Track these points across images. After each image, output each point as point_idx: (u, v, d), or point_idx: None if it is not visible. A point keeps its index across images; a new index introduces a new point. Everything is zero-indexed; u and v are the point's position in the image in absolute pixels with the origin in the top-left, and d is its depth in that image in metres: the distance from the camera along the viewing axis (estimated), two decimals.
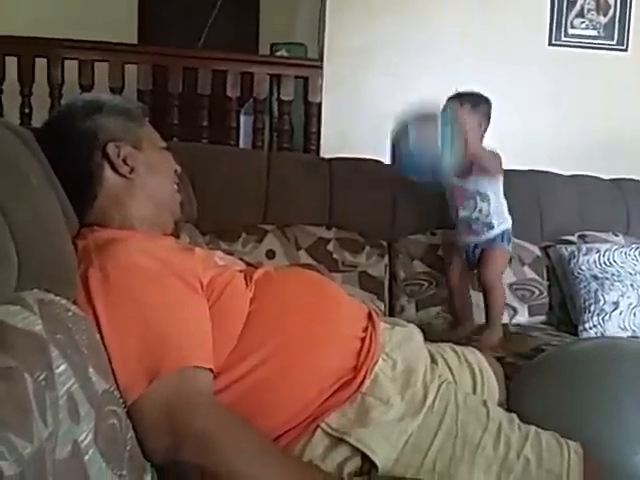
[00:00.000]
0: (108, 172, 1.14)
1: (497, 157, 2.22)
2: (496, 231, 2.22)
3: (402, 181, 2.51)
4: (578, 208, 2.66)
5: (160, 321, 0.92)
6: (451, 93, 2.19)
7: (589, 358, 1.35)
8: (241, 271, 1.15)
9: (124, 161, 1.14)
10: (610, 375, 1.23)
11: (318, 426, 1.00)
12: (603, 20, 3.27)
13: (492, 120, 3.14)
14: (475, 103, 2.17)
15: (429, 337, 1.34)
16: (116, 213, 1.13)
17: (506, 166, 2.69)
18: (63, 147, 1.09)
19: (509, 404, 1.30)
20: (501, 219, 2.23)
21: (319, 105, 3.16)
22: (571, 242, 2.55)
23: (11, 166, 0.79)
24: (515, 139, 3.13)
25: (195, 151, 2.45)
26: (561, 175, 2.72)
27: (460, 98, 2.16)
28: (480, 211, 2.20)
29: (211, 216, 2.24)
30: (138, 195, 1.16)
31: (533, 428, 1.09)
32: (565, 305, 2.44)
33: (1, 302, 0.66)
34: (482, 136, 2.22)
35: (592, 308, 2.29)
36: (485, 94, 2.19)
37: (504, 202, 2.26)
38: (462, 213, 2.23)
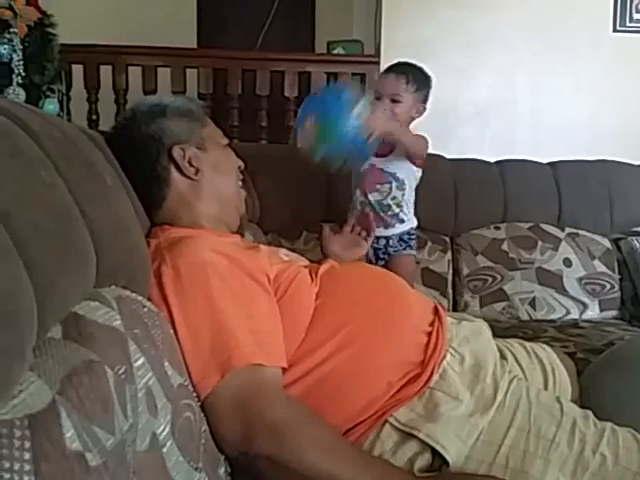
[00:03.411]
0: (175, 174, 1.17)
1: (425, 143, 1.93)
2: (404, 228, 1.97)
3: (464, 175, 2.49)
4: None
5: (230, 317, 0.93)
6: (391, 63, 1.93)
7: None
8: (306, 266, 1.16)
9: (190, 163, 1.17)
10: None
11: (387, 421, 0.99)
12: None
13: (556, 110, 3.07)
14: (421, 85, 1.89)
15: (496, 333, 1.31)
16: (184, 213, 1.16)
17: (572, 156, 2.62)
18: (131, 152, 1.12)
19: (582, 400, 1.27)
20: (410, 216, 1.98)
21: None
22: None
23: (88, 167, 0.82)
24: (581, 128, 3.06)
25: (255, 151, 2.48)
26: (632, 165, 2.63)
27: (406, 73, 1.86)
28: (393, 199, 1.93)
29: (272, 215, 2.27)
30: (205, 195, 1.19)
31: (609, 424, 1.05)
32: (638, 299, 2.35)
33: (82, 298, 0.68)
34: (413, 119, 1.96)
35: None
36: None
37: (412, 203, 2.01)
38: (373, 197, 1.94)
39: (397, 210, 1.94)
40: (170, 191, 1.16)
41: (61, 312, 0.63)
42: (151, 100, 1.24)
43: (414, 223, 2.00)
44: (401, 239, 1.97)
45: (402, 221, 1.96)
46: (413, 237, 2.00)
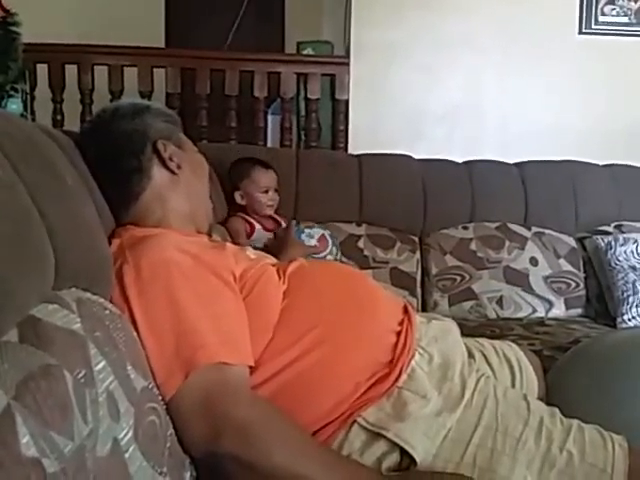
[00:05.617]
0: (157, 167, 1.18)
1: None
2: None
3: (432, 175, 2.50)
4: (613, 198, 2.61)
5: (194, 316, 0.92)
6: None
7: (626, 348, 1.32)
8: (273, 265, 1.15)
9: (171, 158, 1.19)
10: None
11: (355, 421, 0.99)
12: (634, 6, 3.20)
13: (523, 111, 3.13)
14: None
15: (464, 332, 1.32)
16: (158, 208, 1.17)
17: (539, 156, 2.66)
18: (111, 144, 1.14)
19: (548, 398, 1.28)
20: None
21: (346, 102, 3.16)
22: (607, 232, 2.50)
23: (48, 167, 0.80)
24: (547, 129, 3.10)
25: (224, 152, 2.45)
26: (595, 164, 2.67)
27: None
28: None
29: None
30: (180, 192, 1.20)
31: (575, 422, 1.07)
32: (603, 297, 2.39)
33: (40, 301, 0.67)
34: None
35: (631, 300, 2.24)
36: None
37: None
38: None
39: None
40: (149, 184, 1.17)
41: (17, 315, 0.61)
42: (131, 100, 1.29)
43: None
44: None
45: None
46: None
